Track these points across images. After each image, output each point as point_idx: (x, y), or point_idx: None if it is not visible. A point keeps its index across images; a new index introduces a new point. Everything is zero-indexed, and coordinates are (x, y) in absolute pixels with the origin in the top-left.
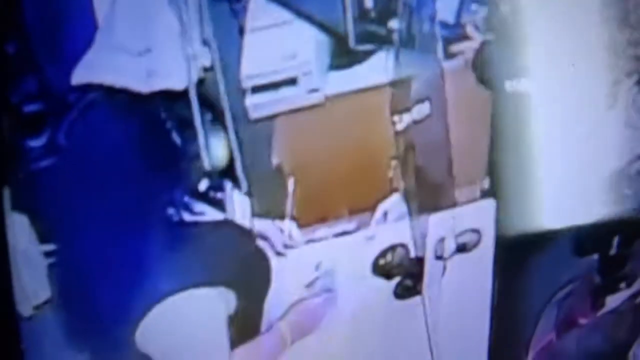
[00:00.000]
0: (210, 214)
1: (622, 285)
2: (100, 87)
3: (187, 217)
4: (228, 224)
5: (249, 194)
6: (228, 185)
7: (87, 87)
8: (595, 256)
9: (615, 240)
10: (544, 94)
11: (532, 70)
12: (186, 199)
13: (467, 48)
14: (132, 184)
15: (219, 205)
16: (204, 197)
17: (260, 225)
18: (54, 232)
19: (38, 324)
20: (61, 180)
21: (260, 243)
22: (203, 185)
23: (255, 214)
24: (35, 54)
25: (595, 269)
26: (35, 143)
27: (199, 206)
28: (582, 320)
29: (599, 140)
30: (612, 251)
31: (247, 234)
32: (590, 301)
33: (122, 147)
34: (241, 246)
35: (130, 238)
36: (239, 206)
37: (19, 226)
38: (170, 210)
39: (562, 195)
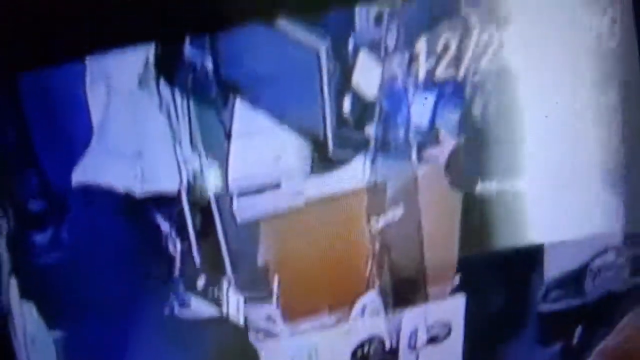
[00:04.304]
0: (205, 309)
1: None
2: (97, 188)
3: (183, 312)
4: (222, 319)
5: (239, 291)
6: (224, 282)
7: (86, 188)
8: (558, 345)
9: (578, 330)
10: (514, 192)
11: (501, 170)
12: (181, 295)
13: (439, 152)
14: (130, 279)
15: (214, 301)
16: (200, 293)
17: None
18: (60, 319)
19: None
20: (65, 273)
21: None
22: (200, 282)
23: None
24: (36, 153)
25: (558, 358)
26: (39, 238)
27: (195, 302)
28: None
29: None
30: (575, 341)
31: (240, 329)
32: None
33: (120, 244)
34: (233, 339)
35: (129, 328)
36: (233, 302)
37: (28, 313)
38: (166, 305)
39: None
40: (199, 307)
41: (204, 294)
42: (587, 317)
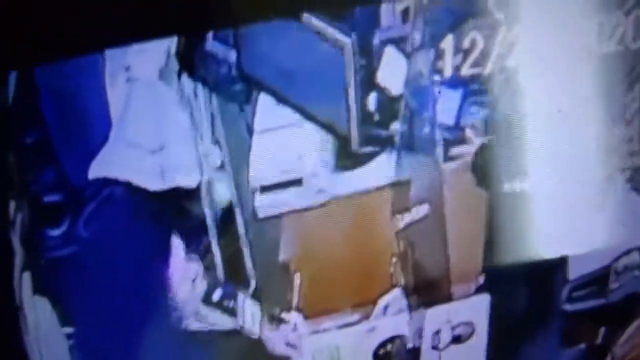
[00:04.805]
0: (221, 321)
1: None
2: (115, 182)
3: (195, 324)
4: (237, 331)
5: (258, 290)
6: (240, 292)
7: (104, 182)
8: (582, 346)
9: (602, 330)
10: (539, 193)
11: (528, 170)
12: (197, 305)
13: (466, 151)
14: (144, 277)
15: (230, 312)
16: (216, 305)
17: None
18: (73, 315)
19: None
20: (80, 268)
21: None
22: (216, 295)
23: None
24: (53, 147)
25: (581, 358)
26: (55, 232)
27: (210, 313)
28: None
29: (590, 236)
30: (598, 341)
31: (256, 341)
32: None
33: (137, 240)
34: (249, 352)
35: (141, 326)
36: (249, 313)
37: (41, 308)
38: (179, 314)
39: None
40: (214, 318)
41: (220, 305)
42: (611, 317)
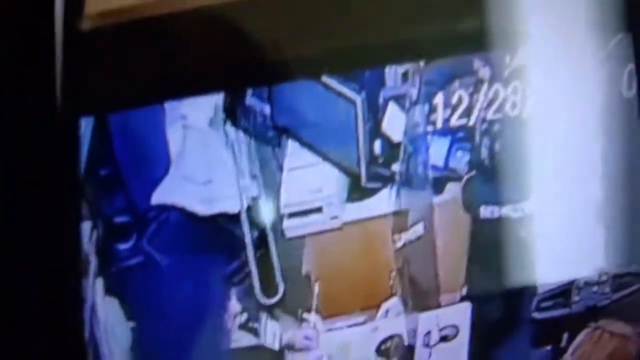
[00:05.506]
0: (245, 340)
1: None
2: (173, 207)
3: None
4: (260, 348)
5: (285, 295)
6: (263, 315)
7: (163, 207)
8: (549, 347)
9: (565, 335)
10: (514, 221)
11: (504, 202)
12: (229, 327)
13: (453, 186)
14: (192, 287)
15: (254, 332)
16: (242, 326)
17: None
18: (137, 313)
19: None
20: (143, 275)
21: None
22: (243, 317)
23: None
24: (123, 178)
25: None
26: (123, 246)
27: (237, 334)
28: None
29: (558, 266)
30: (563, 344)
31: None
32: None
33: (189, 256)
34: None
35: (189, 325)
36: (270, 332)
37: (110, 307)
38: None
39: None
40: (240, 339)
41: (248, 327)
42: (574, 324)
